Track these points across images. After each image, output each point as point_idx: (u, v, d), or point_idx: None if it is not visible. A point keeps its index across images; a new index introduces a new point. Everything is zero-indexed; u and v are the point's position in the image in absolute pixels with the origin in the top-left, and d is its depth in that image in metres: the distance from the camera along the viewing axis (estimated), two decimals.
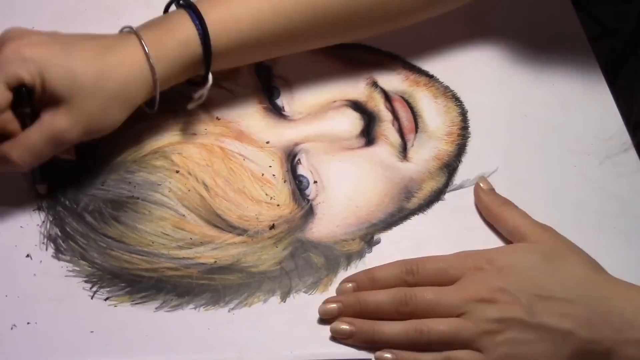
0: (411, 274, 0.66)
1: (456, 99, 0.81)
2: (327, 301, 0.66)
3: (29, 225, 0.71)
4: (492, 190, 0.73)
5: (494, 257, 0.66)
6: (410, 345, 0.63)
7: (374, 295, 0.66)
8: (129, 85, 0.67)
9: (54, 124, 0.65)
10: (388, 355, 0.63)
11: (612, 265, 0.69)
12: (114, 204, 0.72)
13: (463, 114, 0.80)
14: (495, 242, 0.72)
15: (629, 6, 0.93)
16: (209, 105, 0.78)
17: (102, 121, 0.68)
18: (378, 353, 0.63)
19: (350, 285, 0.67)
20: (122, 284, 0.68)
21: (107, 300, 0.68)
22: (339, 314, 0.65)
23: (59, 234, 0.70)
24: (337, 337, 0.65)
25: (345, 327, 0.64)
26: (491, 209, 0.72)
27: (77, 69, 0.65)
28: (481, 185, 0.74)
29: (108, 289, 0.68)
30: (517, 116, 0.81)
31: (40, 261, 0.69)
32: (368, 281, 0.67)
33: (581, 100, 0.82)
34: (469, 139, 0.79)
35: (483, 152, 0.78)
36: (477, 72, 0.84)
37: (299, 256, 0.71)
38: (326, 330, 0.66)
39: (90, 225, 0.71)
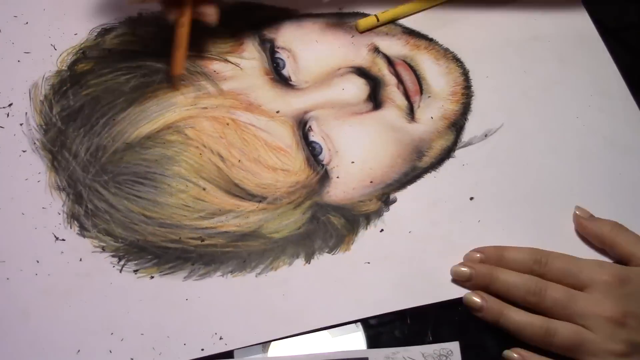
0: (539, 264, 0.67)
1: (457, 60, 0.83)
2: (461, 264, 0.69)
3: (51, 206, 0.72)
4: (592, 216, 0.72)
5: (630, 277, 0.66)
6: (531, 339, 0.65)
7: (507, 274, 0.67)
8: None
9: None
10: (516, 356, 0.65)
11: (619, 212, 0.72)
12: (133, 181, 0.73)
13: (465, 73, 0.82)
14: (504, 196, 0.75)
15: None
16: (216, 79, 0.80)
17: None
18: (506, 352, 0.65)
19: (478, 255, 0.69)
20: (149, 256, 0.70)
21: (136, 273, 0.69)
22: (468, 280, 0.68)
23: (82, 212, 0.72)
24: (467, 307, 0.67)
25: (477, 300, 0.67)
26: (603, 237, 0.70)
27: None
28: (579, 214, 0.73)
29: (135, 262, 0.70)
30: (517, 73, 0.83)
31: (64, 239, 0.71)
32: (496, 258, 0.69)
33: (577, 55, 0.84)
34: (473, 97, 0.81)
35: (487, 110, 0.80)
36: (475, 35, 0.85)
37: (319, 218, 0.73)
38: (352, 292, 0.69)
39: (111, 201, 0.72)
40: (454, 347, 0.66)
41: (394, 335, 0.68)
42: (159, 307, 0.68)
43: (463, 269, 0.68)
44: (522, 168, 0.76)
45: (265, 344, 0.66)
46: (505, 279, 0.67)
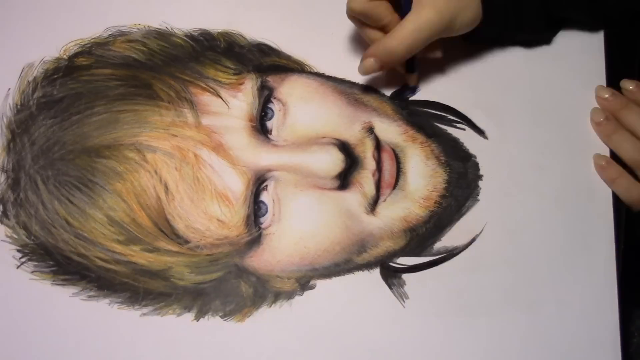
0: None
1: (447, 165, 0.79)
2: (603, 88, 0.80)
3: None
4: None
5: None
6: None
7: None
8: None
9: (423, 12, 0.74)
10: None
11: None
12: (72, 184, 0.75)
13: (449, 182, 0.78)
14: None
15: None
16: (200, 111, 0.80)
17: (461, 16, 0.75)
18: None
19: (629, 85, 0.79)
20: (51, 262, 0.72)
21: (31, 274, 0.70)
22: (604, 100, 0.79)
23: (12, 198, 0.74)
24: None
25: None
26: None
27: None
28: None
29: (36, 263, 0.72)
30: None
31: None
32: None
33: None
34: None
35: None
36: None
37: (229, 280, 0.72)
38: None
39: (43, 198, 0.74)
40: None
41: None
42: (39, 313, 0.69)
43: (604, 91, 0.79)
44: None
45: None
46: (626, 138, 0.77)
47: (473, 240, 0.75)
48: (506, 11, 0.77)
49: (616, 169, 0.77)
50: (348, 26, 0.85)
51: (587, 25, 0.82)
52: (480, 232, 0.76)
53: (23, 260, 0.72)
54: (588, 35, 0.82)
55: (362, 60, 0.77)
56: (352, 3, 0.76)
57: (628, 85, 0.79)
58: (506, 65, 0.82)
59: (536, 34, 0.82)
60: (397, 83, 0.83)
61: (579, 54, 0.81)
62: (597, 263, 0.74)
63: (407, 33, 0.74)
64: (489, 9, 0.76)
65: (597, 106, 0.80)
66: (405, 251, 0.75)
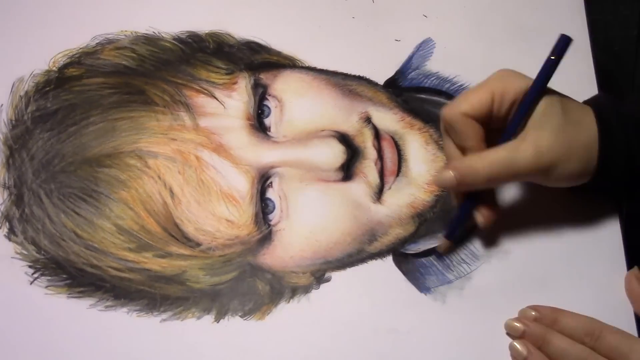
0: (591, 337, 0.67)
1: None
2: (515, 319, 0.70)
3: None
4: None
5: None
6: None
7: (561, 341, 0.67)
8: (593, 145, 0.68)
9: (522, 145, 0.67)
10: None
11: None
12: (77, 196, 0.75)
13: None
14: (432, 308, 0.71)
15: None
16: (196, 113, 0.80)
17: (564, 166, 0.68)
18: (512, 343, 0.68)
19: (533, 313, 0.70)
20: (64, 276, 0.71)
21: (45, 289, 0.70)
22: (521, 337, 0.68)
23: (17, 215, 0.73)
24: (511, 354, 0.69)
25: (522, 350, 0.68)
26: None
27: (557, 103, 0.69)
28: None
29: (49, 277, 0.71)
30: None
31: None
32: (550, 320, 0.69)
33: None
34: None
35: None
36: None
37: (244, 280, 0.72)
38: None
39: (49, 211, 0.74)
40: None
41: None
42: (57, 329, 0.68)
43: (517, 324, 0.69)
44: None
45: None
46: (559, 345, 0.67)
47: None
48: (622, 171, 0.70)
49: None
50: (335, 18, 0.86)
51: None
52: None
53: (36, 275, 0.71)
54: None
55: (441, 171, 0.71)
56: (445, 110, 0.70)
57: (528, 313, 0.70)
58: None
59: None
60: (390, 71, 0.84)
61: None
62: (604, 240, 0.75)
63: (497, 160, 0.67)
64: (606, 164, 0.69)
65: None
66: (415, 237, 0.76)
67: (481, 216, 0.72)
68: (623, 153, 0.69)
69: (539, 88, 0.68)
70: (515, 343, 0.68)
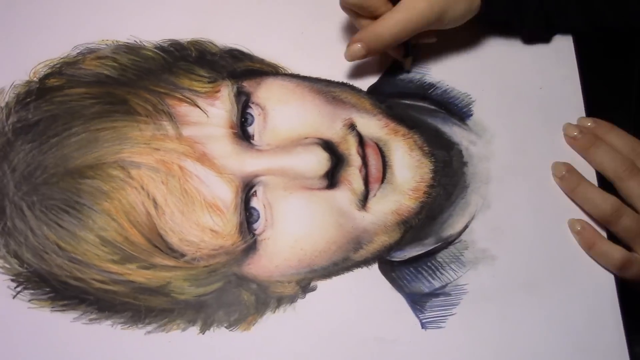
0: (634, 153, 0.76)
1: (432, 155, 0.80)
2: (572, 125, 0.79)
3: None
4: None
5: None
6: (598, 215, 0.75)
7: (609, 149, 0.77)
8: None
9: (414, 3, 0.76)
10: (578, 227, 0.75)
11: None
12: (59, 208, 0.74)
13: (435, 171, 0.79)
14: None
15: None
16: (179, 122, 0.79)
17: (452, 10, 0.77)
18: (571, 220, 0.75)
19: (589, 124, 0.79)
20: (47, 289, 0.71)
21: (28, 302, 0.70)
22: (574, 138, 0.78)
23: None
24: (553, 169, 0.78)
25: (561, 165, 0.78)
26: None
27: None
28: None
29: (32, 291, 0.71)
30: None
31: None
32: (603, 130, 0.78)
33: None
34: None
35: None
36: None
37: (229, 290, 0.72)
38: None
39: (31, 224, 0.73)
40: None
41: None
42: (40, 343, 0.68)
43: (572, 129, 0.78)
44: None
45: None
46: (605, 151, 0.76)
47: (466, 227, 0.76)
48: (507, 8, 0.80)
49: (576, 177, 0.77)
50: (318, 24, 0.86)
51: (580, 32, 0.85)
52: (472, 219, 0.77)
53: (19, 289, 0.71)
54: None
55: (348, 45, 0.78)
56: None
57: (586, 122, 0.79)
58: (500, 55, 0.85)
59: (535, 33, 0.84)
60: (373, 77, 0.84)
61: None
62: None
63: (395, 21, 0.76)
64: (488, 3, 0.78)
65: None
66: (400, 244, 0.76)
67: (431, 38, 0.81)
68: None
69: None
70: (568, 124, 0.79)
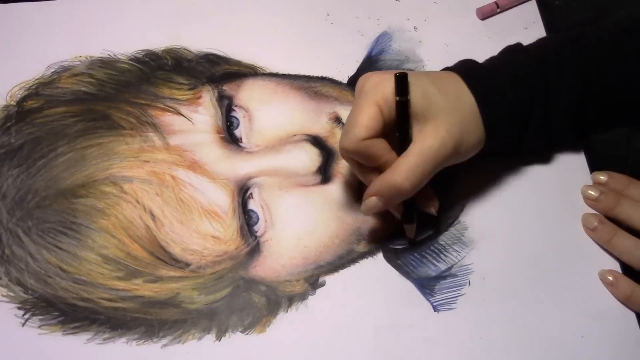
0: None
1: None
2: (590, 187, 0.76)
3: None
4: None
5: None
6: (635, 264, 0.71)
7: (633, 204, 0.73)
8: (476, 110, 0.71)
9: (426, 141, 0.67)
10: (610, 278, 0.72)
11: None
12: (57, 230, 0.73)
13: None
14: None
15: None
16: (165, 132, 0.79)
17: (467, 142, 0.70)
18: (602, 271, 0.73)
19: (604, 178, 0.76)
20: (56, 313, 0.70)
21: (38, 329, 0.69)
22: (595, 200, 0.75)
23: None
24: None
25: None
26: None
27: (434, 89, 0.68)
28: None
29: (41, 317, 0.70)
30: None
31: None
32: (622, 185, 0.75)
33: None
34: None
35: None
36: None
37: (239, 294, 0.71)
38: None
39: (30, 249, 0.72)
40: None
41: None
42: None
43: (592, 191, 0.75)
44: None
45: None
46: (630, 205, 0.73)
47: (463, 208, 0.77)
48: (509, 136, 0.74)
49: (610, 228, 0.74)
50: (289, 21, 0.86)
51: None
52: (468, 200, 0.77)
53: (27, 316, 0.70)
54: None
55: (364, 200, 0.69)
56: (344, 142, 0.67)
57: (600, 177, 0.77)
58: None
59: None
60: (352, 68, 0.84)
61: None
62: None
63: (412, 166, 0.66)
64: (491, 133, 0.71)
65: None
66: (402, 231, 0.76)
67: (431, 208, 0.73)
68: (501, 103, 0.71)
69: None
70: (586, 188, 0.76)
